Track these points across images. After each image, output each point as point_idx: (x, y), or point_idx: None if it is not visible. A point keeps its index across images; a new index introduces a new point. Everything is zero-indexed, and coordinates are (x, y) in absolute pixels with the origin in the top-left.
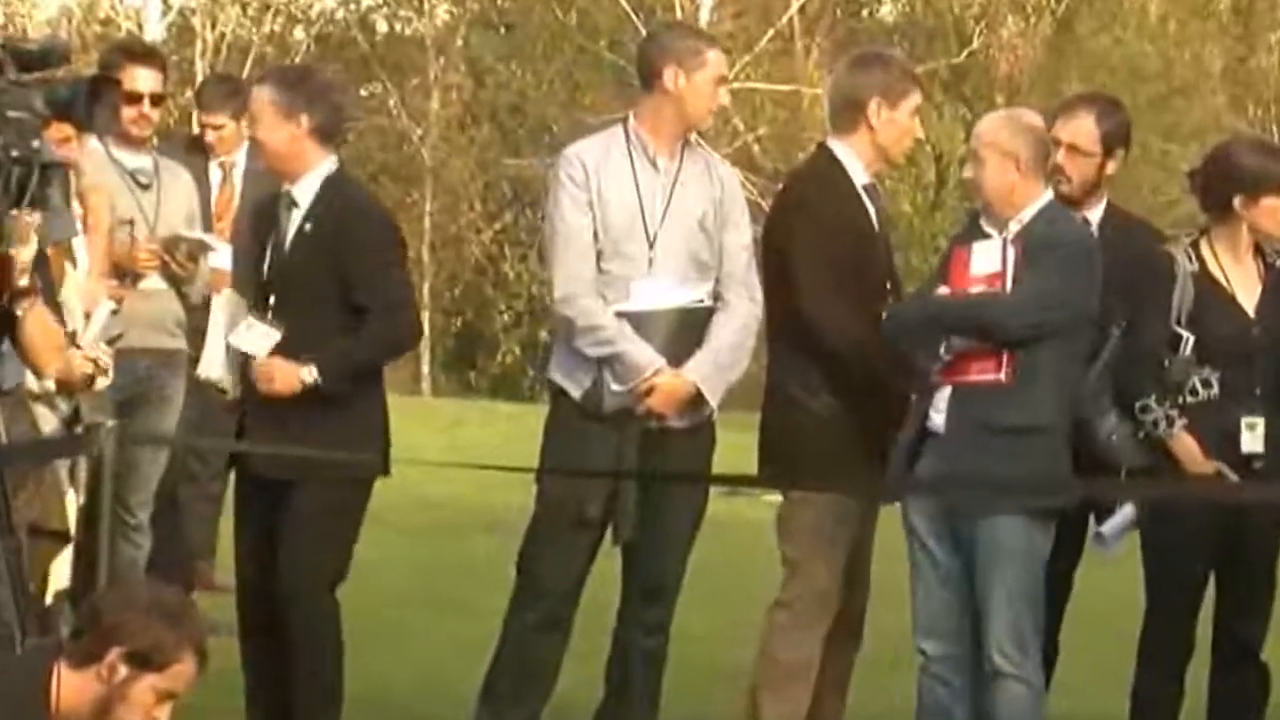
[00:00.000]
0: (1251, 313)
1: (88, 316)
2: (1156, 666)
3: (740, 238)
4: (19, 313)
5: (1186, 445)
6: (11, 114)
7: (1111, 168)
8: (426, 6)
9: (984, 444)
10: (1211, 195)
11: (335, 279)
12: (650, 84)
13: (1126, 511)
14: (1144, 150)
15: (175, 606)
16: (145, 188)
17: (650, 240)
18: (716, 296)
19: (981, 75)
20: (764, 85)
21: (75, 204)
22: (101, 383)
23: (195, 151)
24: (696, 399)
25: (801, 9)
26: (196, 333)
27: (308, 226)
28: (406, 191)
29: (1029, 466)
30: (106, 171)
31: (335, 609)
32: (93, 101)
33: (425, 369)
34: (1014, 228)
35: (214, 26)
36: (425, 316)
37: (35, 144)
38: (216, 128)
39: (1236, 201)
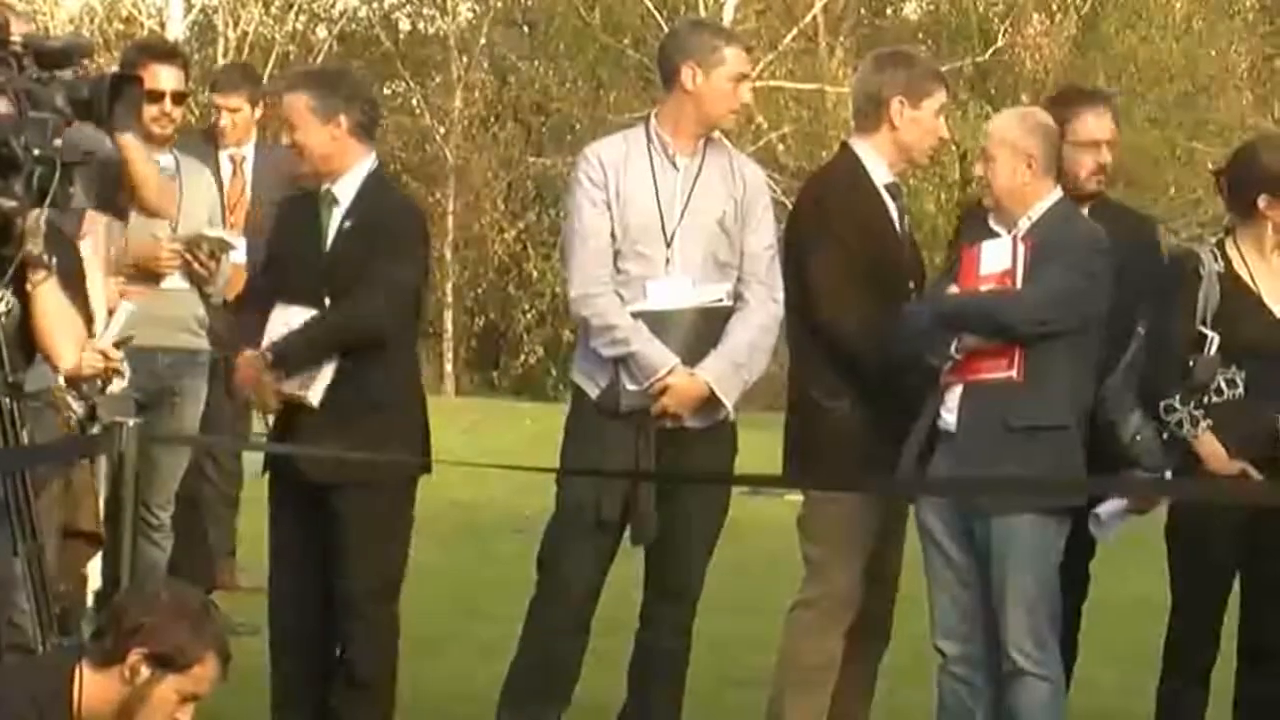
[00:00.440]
0: (1278, 313)
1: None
2: (1182, 667)
3: (762, 238)
4: (28, 287)
5: (1211, 445)
6: (33, 113)
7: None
8: (449, 4)
9: (998, 442)
10: (1236, 195)
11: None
12: (669, 83)
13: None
14: (1170, 148)
15: (197, 607)
16: None
17: (668, 240)
18: (737, 296)
19: (1006, 74)
20: (788, 84)
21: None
22: (117, 384)
23: (206, 143)
24: (711, 399)
25: (825, 8)
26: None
27: (348, 224)
28: (429, 190)
29: (1043, 464)
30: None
31: (396, 619)
32: (114, 99)
33: (448, 368)
34: (1024, 225)
35: (236, 25)
36: (448, 315)
37: (57, 142)
38: (232, 110)
39: (1261, 201)
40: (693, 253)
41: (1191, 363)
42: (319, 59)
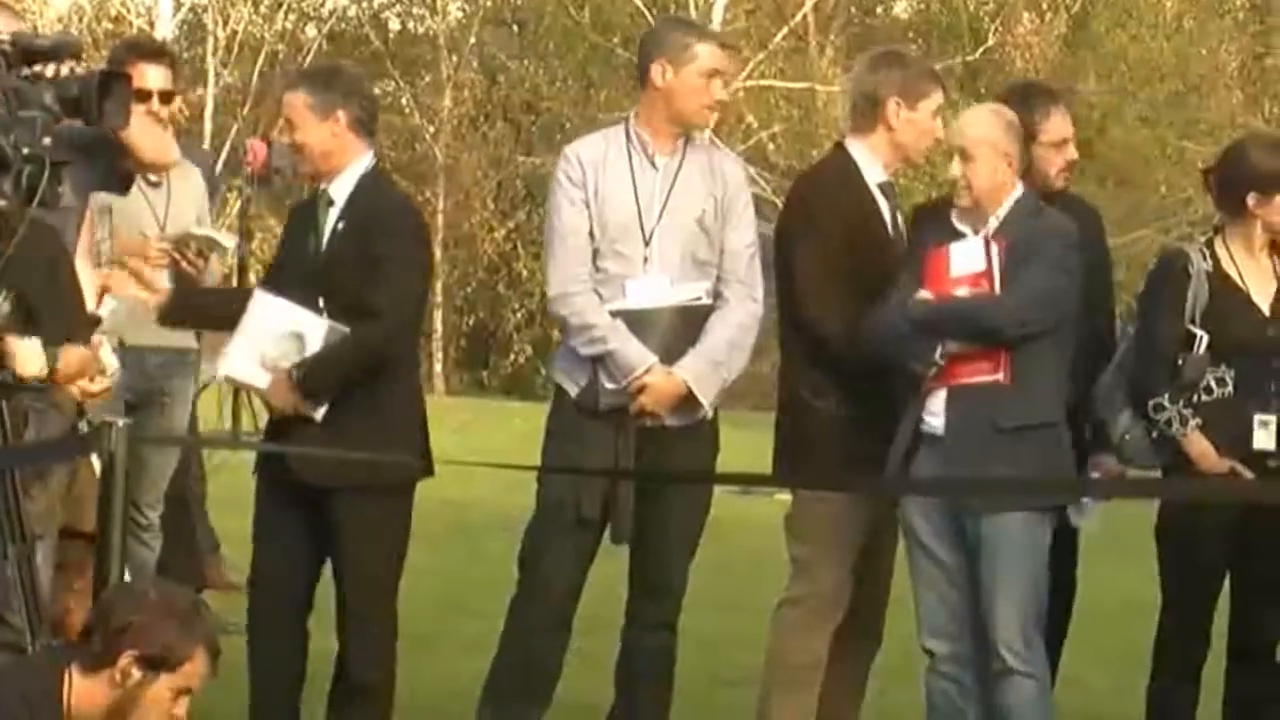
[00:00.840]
0: (1266, 311)
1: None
2: (1172, 666)
3: (743, 236)
4: None
5: (1200, 444)
6: (22, 111)
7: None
8: (439, 4)
9: (988, 444)
10: (1225, 193)
11: (365, 276)
12: (644, 80)
13: None
14: (1160, 147)
15: (184, 605)
16: (155, 185)
17: (646, 239)
18: (717, 295)
19: (997, 73)
20: (778, 83)
21: None
22: (100, 382)
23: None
24: (690, 398)
25: (815, 7)
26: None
27: (341, 225)
28: (419, 189)
29: (1033, 463)
30: None
31: (395, 622)
32: (104, 97)
33: (438, 368)
34: (993, 224)
35: (226, 24)
36: (437, 315)
37: (46, 141)
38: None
39: (1250, 200)
40: (671, 251)
41: (1180, 361)
42: (308, 58)
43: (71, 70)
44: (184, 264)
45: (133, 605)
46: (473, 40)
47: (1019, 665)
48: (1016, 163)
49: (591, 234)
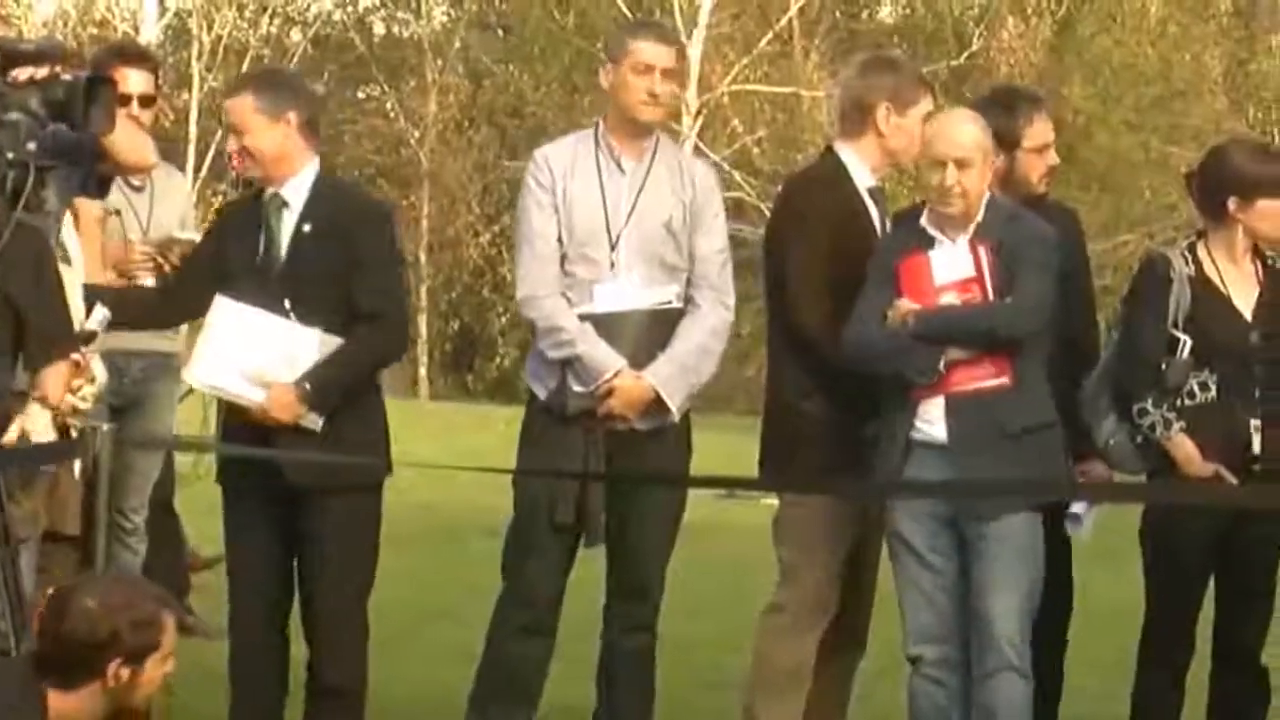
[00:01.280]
0: (1248, 315)
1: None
2: (1157, 670)
3: (713, 241)
4: None
5: (1185, 448)
6: (7, 116)
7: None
8: (424, 8)
9: (995, 449)
10: (1207, 198)
11: (340, 279)
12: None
13: None
14: (1144, 152)
15: (129, 589)
16: (138, 189)
17: (613, 243)
18: (688, 299)
19: (982, 77)
20: (763, 87)
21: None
22: (86, 390)
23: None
24: (658, 402)
25: (800, 11)
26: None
27: (306, 227)
28: (404, 194)
29: (1037, 464)
30: None
31: (367, 625)
32: (90, 102)
33: (423, 372)
34: (971, 229)
35: (210, 28)
36: (422, 319)
37: (31, 146)
38: None
39: (1231, 204)
40: (638, 255)
41: (1164, 366)
42: (293, 62)
43: (57, 75)
44: (168, 268)
45: (90, 620)
46: (457, 44)
47: (1017, 662)
48: (996, 169)
49: (560, 238)
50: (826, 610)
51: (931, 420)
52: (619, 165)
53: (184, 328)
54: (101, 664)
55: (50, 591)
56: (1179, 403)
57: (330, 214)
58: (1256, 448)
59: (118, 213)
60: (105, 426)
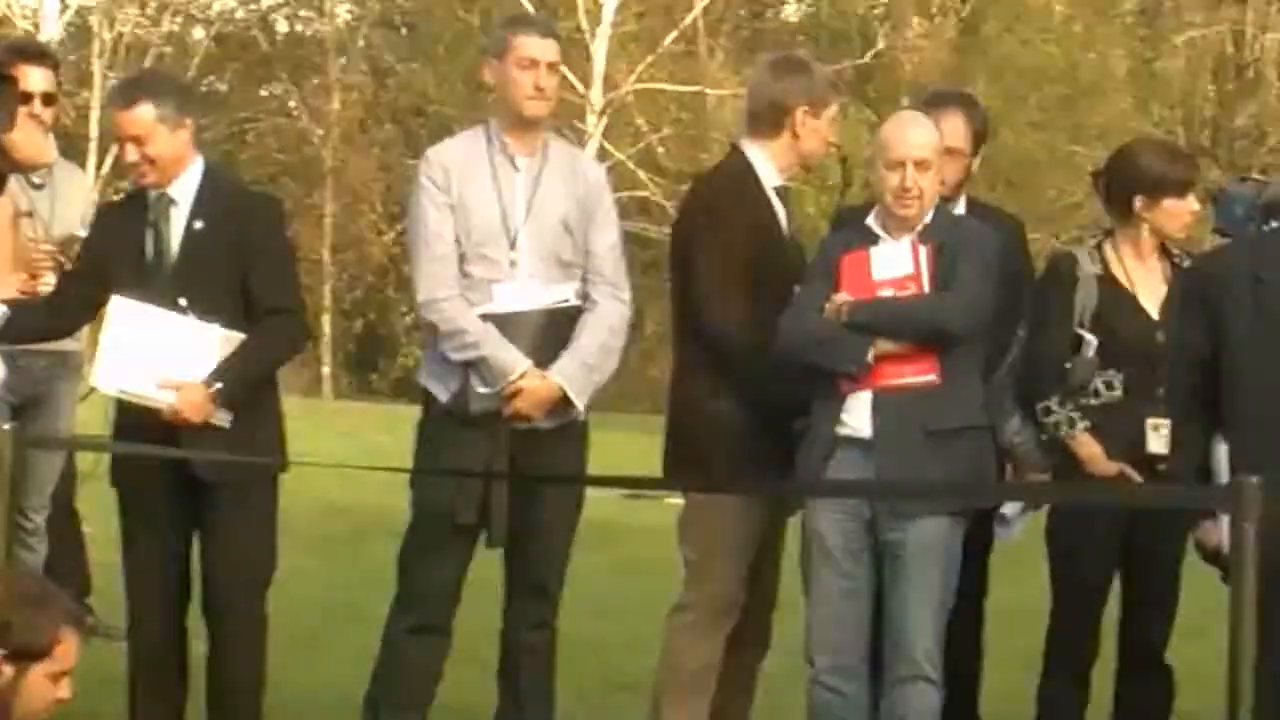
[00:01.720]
0: (1155, 314)
1: None
2: (1062, 670)
3: (606, 237)
4: None
5: (1089, 447)
6: None
7: (975, 164)
8: (327, 6)
9: (918, 447)
10: (1114, 197)
11: (235, 274)
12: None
13: None
14: (1049, 151)
15: (35, 589)
16: (39, 187)
17: (512, 242)
18: (584, 296)
19: (886, 76)
20: (668, 86)
21: None
22: None
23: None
24: (563, 400)
25: (705, 9)
26: None
27: (197, 224)
28: (307, 192)
29: (961, 466)
30: None
31: (265, 617)
32: None
33: (326, 371)
34: (917, 229)
35: (112, 26)
36: (326, 318)
37: None
38: None
39: (1137, 203)
40: (537, 253)
41: (1069, 365)
42: (196, 61)
43: None
44: (69, 265)
45: None
46: (361, 42)
47: (930, 672)
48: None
49: (457, 239)
50: (734, 610)
51: (857, 414)
52: (513, 163)
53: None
54: None
55: None
56: (1084, 402)
57: (221, 210)
58: (1154, 447)
59: (30, 214)
60: (6, 426)
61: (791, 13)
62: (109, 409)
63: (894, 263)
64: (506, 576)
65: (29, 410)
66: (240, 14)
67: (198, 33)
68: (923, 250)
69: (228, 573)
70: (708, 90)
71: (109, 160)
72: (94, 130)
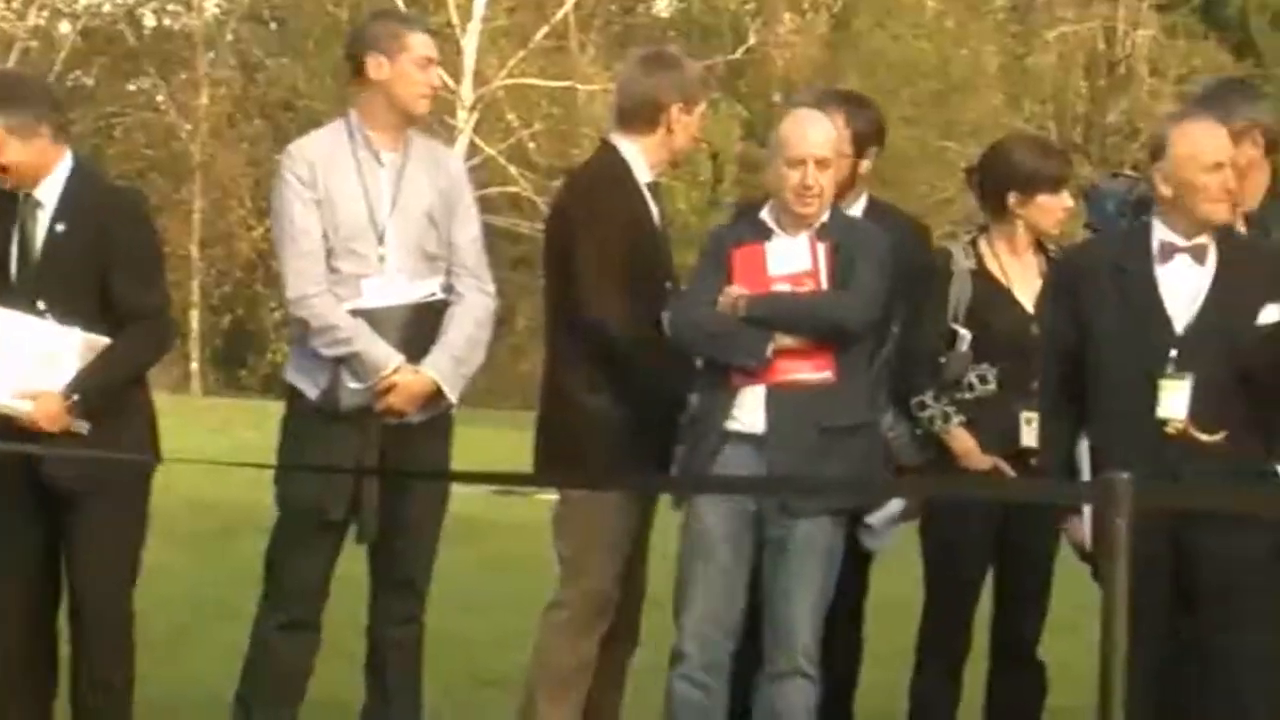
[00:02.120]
0: (1030, 308)
1: None
2: (934, 665)
3: (469, 229)
4: None
5: (963, 441)
6: None
7: (865, 166)
8: (195, 0)
9: (811, 443)
10: (988, 193)
11: (95, 275)
12: (359, 76)
13: (893, 504)
14: (921, 147)
15: None
16: None
17: (380, 236)
18: (449, 289)
19: (758, 72)
20: (539, 81)
21: None
22: None
23: None
24: (436, 394)
25: (576, 4)
26: None
27: (60, 226)
28: (175, 188)
29: (853, 464)
30: None
31: (131, 614)
32: None
33: (194, 367)
34: (815, 226)
35: None
36: (194, 314)
37: None
38: None
39: (1011, 199)
40: (404, 247)
41: (944, 359)
42: (62, 55)
43: None
44: None
45: None
46: (230, 36)
47: (808, 668)
48: None
49: (325, 234)
50: (609, 608)
51: (750, 410)
52: (377, 157)
53: None
54: None
55: None
56: (959, 396)
57: (84, 211)
58: (1028, 440)
59: None
60: None
61: (662, 8)
62: None
63: (791, 258)
64: (373, 572)
65: None
66: (107, 8)
67: (64, 27)
68: (821, 247)
69: (90, 574)
70: (578, 85)
71: None
72: None
